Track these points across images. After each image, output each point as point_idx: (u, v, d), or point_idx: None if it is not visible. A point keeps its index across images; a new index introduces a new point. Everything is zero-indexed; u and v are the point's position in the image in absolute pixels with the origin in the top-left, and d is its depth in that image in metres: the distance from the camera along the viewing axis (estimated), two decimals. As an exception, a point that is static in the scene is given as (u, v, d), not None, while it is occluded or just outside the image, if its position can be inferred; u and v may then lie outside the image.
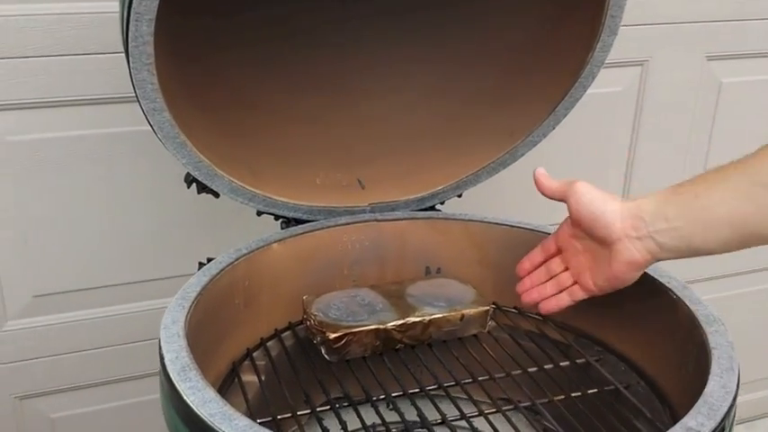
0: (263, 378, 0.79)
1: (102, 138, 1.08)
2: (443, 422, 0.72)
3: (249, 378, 0.79)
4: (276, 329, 0.86)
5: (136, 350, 1.19)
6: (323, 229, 0.90)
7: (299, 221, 0.91)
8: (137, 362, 1.20)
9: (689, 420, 0.60)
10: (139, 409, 1.23)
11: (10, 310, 1.12)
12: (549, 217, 1.37)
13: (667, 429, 0.71)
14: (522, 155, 0.94)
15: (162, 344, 0.65)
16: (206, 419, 0.57)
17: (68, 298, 1.14)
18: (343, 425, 0.71)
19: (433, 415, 0.73)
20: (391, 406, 0.74)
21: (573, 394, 0.77)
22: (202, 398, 0.59)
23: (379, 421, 0.71)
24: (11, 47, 0.99)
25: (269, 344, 0.84)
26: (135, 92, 0.74)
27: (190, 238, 1.16)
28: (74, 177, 1.08)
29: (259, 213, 0.91)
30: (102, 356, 1.19)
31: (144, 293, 1.17)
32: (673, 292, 0.77)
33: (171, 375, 0.61)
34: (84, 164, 1.08)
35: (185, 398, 0.59)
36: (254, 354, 0.82)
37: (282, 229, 0.91)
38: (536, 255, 0.82)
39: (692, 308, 0.75)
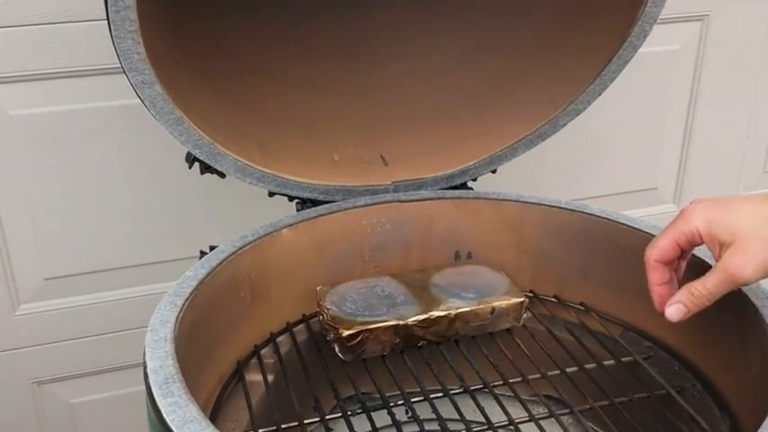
0: (269, 379, 0.71)
1: (114, 111, 1.01)
2: (467, 431, 0.63)
3: (255, 378, 0.72)
4: (288, 323, 0.78)
5: (154, 335, 1.14)
6: (339, 211, 0.81)
7: (315, 202, 0.83)
8: (156, 346, 1.14)
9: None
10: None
11: (22, 293, 1.07)
12: (598, 190, 1.28)
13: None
14: (564, 125, 0.84)
15: (146, 350, 0.58)
16: (185, 444, 0.49)
17: (81, 281, 1.09)
18: (355, 436, 0.63)
19: (455, 423, 0.64)
20: (409, 413, 0.66)
21: (617, 400, 0.68)
22: (183, 417, 0.51)
23: (394, 431, 0.63)
24: (14, 15, 0.92)
25: (279, 339, 0.76)
26: (120, 63, 0.66)
27: (207, 218, 1.10)
28: (84, 153, 1.02)
29: (271, 194, 0.83)
30: (119, 340, 1.14)
31: (159, 275, 1.11)
32: (735, 283, 0.66)
33: (152, 389, 0.54)
34: (94, 139, 1.02)
35: (165, 416, 0.52)
36: (262, 351, 0.74)
37: (298, 210, 0.83)
38: (668, 245, 0.63)
39: (758, 303, 0.65)
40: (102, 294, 1.11)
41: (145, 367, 0.57)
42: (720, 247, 0.59)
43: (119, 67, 0.95)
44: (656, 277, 0.64)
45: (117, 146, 1.03)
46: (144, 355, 0.58)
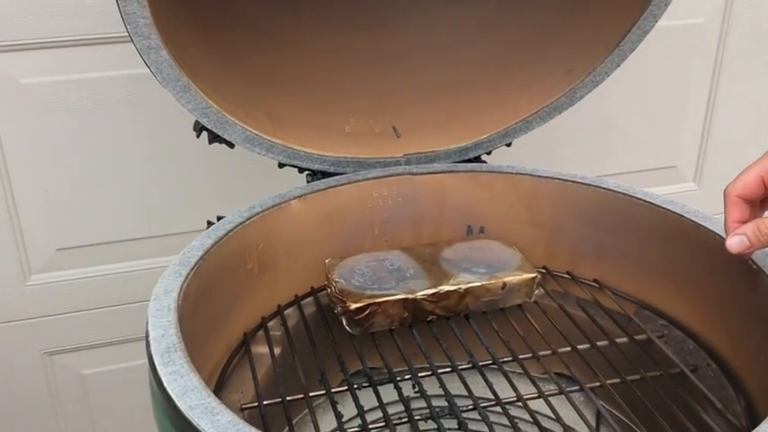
0: (276, 351, 0.70)
1: (125, 80, 1.00)
2: (474, 407, 0.62)
3: (261, 350, 0.71)
4: (296, 295, 0.77)
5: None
6: (350, 183, 0.80)
7: (325, 174, 0.82)
8: (167, 318, 1.14)
9: (770, 427, 0.48)
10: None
11: (34, 263, 1.07)
12: (616, 167, 1.25)
13: (742, 426, 0.61)
14: (582, 97, 0.82)
15: (149, 318, 0.58)
16: (184, 412, 0.48)
17: (93, 251, 1.08)
18: (360, 410, 0.62)
19: (464, 399, 0.63)
20: (416, 388, 0.65)
21: (629, 378, 0.66)
22: (184, 386, 0.50)
23: (401, 406, 0.62)
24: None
25: (287, 312, 0.75)
26: (126, 27, 0.64)
27: (221, 189, 1.09)
28: (95, 123, 1.01)
29: (281, 165, 0.82)
30: (132, 312, 1.13)
31: (172, 247, 1.09)
32: (753, 260, 0.65)
33: (153, 357, 0.54)
34: (106, 109, 1.01)
35: (165, 384, 0.51)
36: (269, 323, 0.73)
37: (308, 182, 0.82)
38: (752, 179, 0.59)
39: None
40: (114, 266, 1.10)
41: (147, 336, 0.56)
42: None
43: (127, 36, 0.95)
44: (735, 214, 0.59)
45: (129, 115, 1.02)
46: (146, 323, 0.57)
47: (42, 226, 1.05)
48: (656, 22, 0.76)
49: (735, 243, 0.58)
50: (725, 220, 0.60)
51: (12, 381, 1.14)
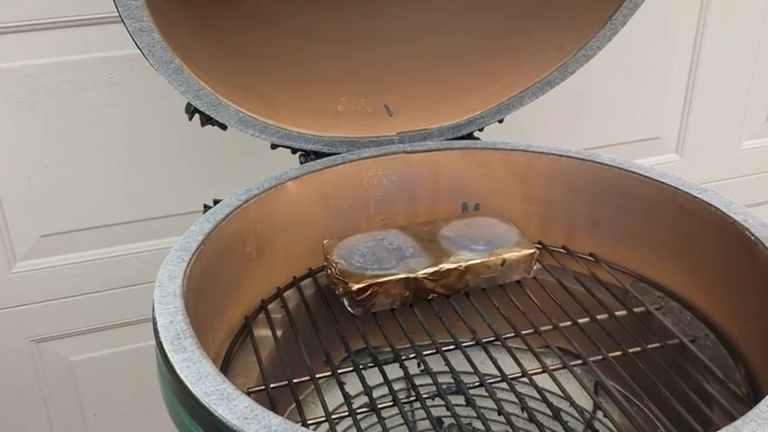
0: (278, 333, 0.70)
1: (106, 62, 0.98)
2: (481, 384, 0.63)
3: (264, 333, 0.71)
4: (294, 277, 0.77)
5: (153, 290, 1.12)
6: (345, 163, 0.79)
7: (318, 154, 0.81)
8: (155, 303, 1.13)
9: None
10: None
11: (18, 250, 1.05)
12: (601, 140, 1.26)
13: (743, 393, 0.62)
14: (573, 72, 0.82)
15: (155, 305, 0.57)
16: (200, 399, 0.48)
17: (77, 237, 1.07)
18: (367, 389, 0.62)
19: (469, 376, 0.64)
20: (422, 367, 0.65)
21: (631, 350, 0.67)
22: (198, 373, 0.50)
23: (405, 384, 0.63)
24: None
25: (286, 294, 0.75)
26: (117, 9, 0.63)
27: (204, 171, 1.07)
28: (76, 107, 0.99)
29: (273, 146, 0.81)
30: (118, 297, 1.12)
31: (157, 231, 1.09)
32: (750, 231, 0.66)
33: (164, 345, 0.53)
34: (86, 91, 0.99)
35: (178, 372, 0.51)
36: (270, 306, 0.73)
37: (302, 163, 0.81)
38: None
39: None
40: (99, 251, 1.09)
41: (155, 323, 0.56)
42: None
43: (111, 17, 0.93)
44: None
45: (111, 99, 1.00)
46: (153, 310, 0.57)
47: (26, 213, 1.03)
48: (648, -5, 0.76)
49: None
50: None
51: (0, 369, 1.12)
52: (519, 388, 0.64)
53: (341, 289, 0.71)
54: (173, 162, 1.06)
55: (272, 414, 0.47)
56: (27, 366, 1.14)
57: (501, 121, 0.86)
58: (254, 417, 0.46)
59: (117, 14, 0.87)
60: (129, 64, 0.98)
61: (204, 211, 0.71)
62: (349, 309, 0.70)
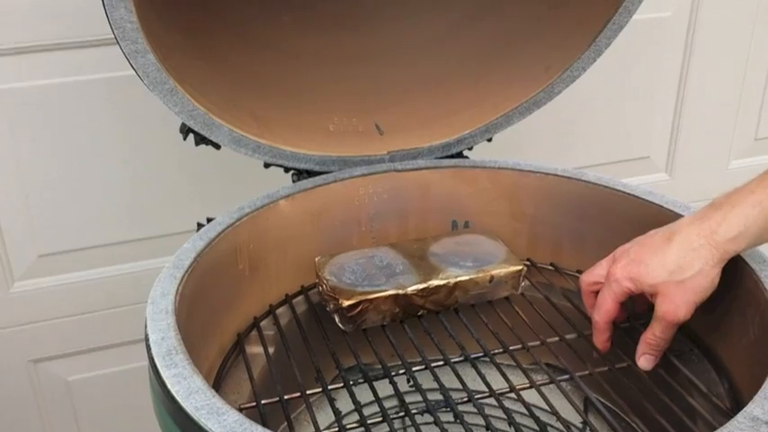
0: (270, 350, 0.71)
1: (103, 84, 1.00)
2: (470, 400, 0.64)
3: (256, 350, 0.72)
4: (287, 294, 0.78)
5: (149, 310, 1.13)
6: (336, 181, 0.81)
7: (310, 173, 0.83)
8: (152, 321, 1.14)
9: (754, 409, 0.50)
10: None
11: (16, 270, 1.07)
12: (591, 159, 1.28)
13: (726, 407, 0.63)
14: (560, 92, 0.84)
15: (147, 322, 0.58)
16: (191, 413, 0.49)
17: (75, 257, 1.08)
18: (357, 405, 0.63)
19: (457, 392, 0.64)
20: (411, 383, 0.66)
21: (617, 366, 0.68)
22: (188, 388, 0.51)
23: (396, 401, 0.64)
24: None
25: (278, 311, 0.76)
26: (113, 32, 0.65)
27: (202, 191, 1.09)
28: (74, 128, 1.01)
29: (266, 165, 0.82)
30: (115, 317, 1.13)
31: (154, 250, 1.10)
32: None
33: (155, 360, 0.54)
34: (84, 113, 1.00)
35: (169, 387, 0.52)
36: (262, 323, 0.74)
37: (294, 181, 0.82)
38: (612, 307, 0.68)
39: (756, 268, 0.65)
40: (97, 270, 1.10)
41: (147, 339, 0.57)
42: (651, 296, 0.65)
43: (108, 40, 0.95)
44: (607, 335, 0.69)
45: (108, 119, 1.02)
46: (145, 327, 0.58)
47: (24, 233, 1.04)
48: (631, 17, 0.78)
49: (645, 362, 0.67)
50: (598, 340, 0.70)
51: (-3, 389, 1.13)
52: (507, 404, 0.65)
53: (332, 305, 0.72)
54: (170, 182, 1.08)
55: (260, 428, 0.48)
56: (25, 387, 1.14)
57: (490, 140, 0.88)
58: (243, 431, 0.47)
59: (108, 37, 0.90)
60: (127, 85, 1.00)
61: (198, 230, 0.72)
62: (340, 325, 0.71)
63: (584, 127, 1.26)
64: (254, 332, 0.74)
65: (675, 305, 0.63)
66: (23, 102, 0.97)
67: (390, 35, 0.87)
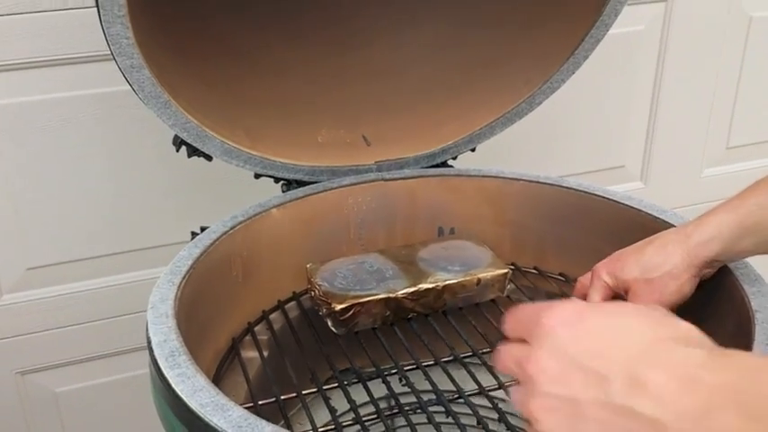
0: (265, 354, 0.73)
1: (91, 99, 1.01)
2: (460, 396, 0.66)
3: (250, 354, 0.74)
4: (279, 300, 0.80)
5: (137, 321, 1.14)
6: (326, 191, 0.83)
7: (300, 183, 0.85)
8: (139, 333, 1.14)
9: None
10: (144, 382, 1.18)
11: (4, 283, 1.07)
12: (569, 169, 1.31)
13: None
14: (540, 103, 0.87)
15: (149, 325, 0.60)
16: (196, 411, 0.51)
17: (63, 269, 1.09)
18: (352, 404, 0.65)
19: (449, 389, 0.67)
20: (404, 381, 0.68)
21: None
22: (192, 386, 0.53)
23: (389, 401, 0.66)
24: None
25: (272, 317, 0.78)
26: (109, 48, 0.67)
27: (187, 203, 1.10)
28: (62, 142, 1.02)
29: (257, 176, 0.85)
30: (103, 328, 1.14)
31: (141, 262, 1.12)
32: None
33: (159, 361, 0.56)
34: (72, 127, 1.02)
35: (174, 386, 0.53)
36: (256, 328, 0.76)
37: (283, 191, 0.85)
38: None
39: (731, 266, 0.68)
40: (84, 283, 1.11)
41: (149, 342, 0.58)
42: (625, 292, 0.68)
43: (96, 56, 0.97)
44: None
45: (95, 134, 1.03)
46: (147, 330, 0.60)
47: (12, 246, 1.05)
48: (608, 30, 0.81)
49: None
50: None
51: (-16, 402, 1.13)
52: (496, 400, 0.68)
53: (324, 310, 0.74)
54: (156, 195, 1.09)
55: (264, 422, 0.50)
56: (12, 398, 1.15)
57: (473, 150, 0.91)
58: (248, 425, 0.49)
59: (100, 53, 0.92)
60: (114, 100, 1.02)
61: (192, 238, 0.74)
62: (333, 329, 0.74)
63: (562, 137, 1.29)
64: (249, 337, 0.75)
65: (642, 303, 0.65)
66: (13, 117, 0.99)
67: (376, 51, 0.90)
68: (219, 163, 0.81)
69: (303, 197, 0.82)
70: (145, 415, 1.20)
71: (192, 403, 0.51)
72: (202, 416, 0.51)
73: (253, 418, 0.50)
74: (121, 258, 1.12)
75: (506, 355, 0.42)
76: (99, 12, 0.64)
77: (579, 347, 0.38)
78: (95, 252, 1.10)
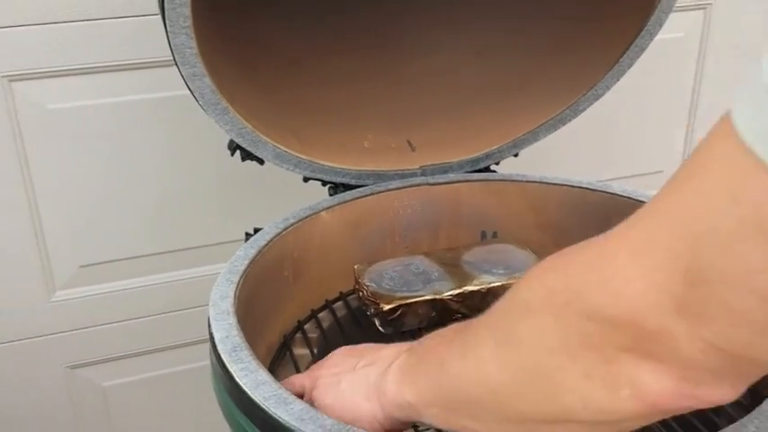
0: (315, 351, 0.76)
1: (146, 103, 1.05)
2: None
3: (301, 351, 0.76)
4: (326, 300, 0.83)
5: (183, 318, 1.18)
6: (372, 194, 0.86)
7: (347, 187, 0.87)
8: (185, 329, 1.19)
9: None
10: (189, 377, 1.23)
11: (57, 280, 1.11)
12: (607, 173, 1.32)
13: (747, 402, 0.67)
14: (584, 110, 0.89)
15: (211, 322, 0.63)
16: (260, 403, 0.54)
17: (114, 267, 1.13)
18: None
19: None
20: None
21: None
22: (255, 380, 0.56)
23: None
24: (52, 11, 0.96)
25: (320, 315, 0.81)
26: (173, 57, 0.70)
27: (235, 204, 1.14)
28: (118, 145, 1.06)
29: (306, 179, 0.87)
30: (150, 324, 1.18)
31: (188, 261, 1.15)
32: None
33: (222, 356, 0.59)
34: (128, 131, 1.06)
35: (237, 380, 0.56)
36: (305, 326, 0.79)
37: (330, 195, 0.87)
38: None
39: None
40: (134, 280, 1.15)
41: (212, 338, 0.61)
42: None
43: (154, 62, 1.00)
44: None
45: (150, 137, 1.07)
46: (209, 326, 0.62)
47: (67, 244, 1.09)
48: (652, 39, 0.83)
49: None
50: None
51: (35, 394, 1.17)
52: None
53: (372, 310, 0.77)
54: (203, 196, 1.13)
55: (325, 416, 0.52)
56: (61, 392, 1.19)
57: (516, 155, 0.93)
58: (310, 418, 0.52)
59: (155, 60, 0.96)
60: (167, 104, 1.05)
61: (246, 239, 0.77)
62: (380, 328, 0.76)
63: (601, 142, 1.31)
64: (299, 334, 0.78)
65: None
66: (68, 120, 1.03)
67: (421, 57, 0.92)
68: (268, 166, 0.83)
69: (351, 200, 0.84)
70: (187, 409, 1.24)
71: (256, 396, 0.54)
72: (266, 408, 0.53)
73: (314, 412, 0.52)
74: (169, 257, 1.15)
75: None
76: (165, 23, 0.67)
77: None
78: (145, 251, 1.14)
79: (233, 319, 0.63)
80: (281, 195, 1.01)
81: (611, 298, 0.38)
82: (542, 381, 0.42)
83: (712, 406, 0.39)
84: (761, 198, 0.32)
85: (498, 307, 0.46)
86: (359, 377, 0.57)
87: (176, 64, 0.70)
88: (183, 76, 0.71)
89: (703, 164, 0.36)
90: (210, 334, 0.62)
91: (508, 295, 0.45)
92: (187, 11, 0.67)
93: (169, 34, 0.68)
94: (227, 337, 0.61)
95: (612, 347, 0.38)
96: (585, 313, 0.39)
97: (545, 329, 0.41)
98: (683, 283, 0.35)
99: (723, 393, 0.38)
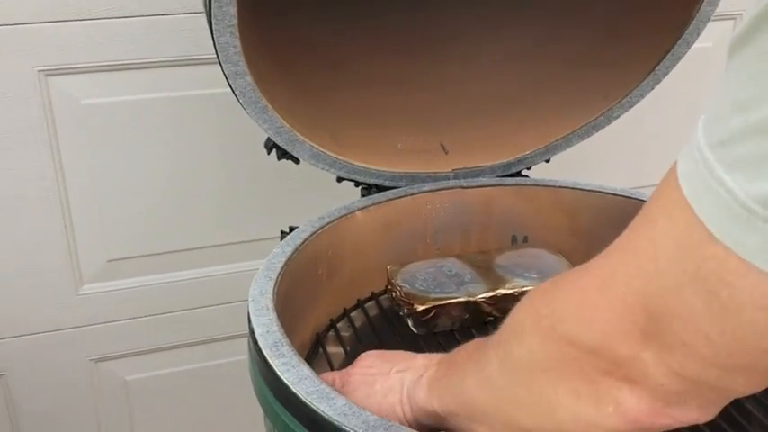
0: (348, 349, 0.76)
1: (179, 100, 1.06)
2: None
3: (334, 350, 0.77)
4: (359, 299, 0.83)
5: (207, 314, 1.19)
6: (406, 196, 0.86)
7: (379, 188, 0.88)
8: (209, 326, 1.20)
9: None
10: (212, 373, 1.23)
11: (85, 274, 1.12)
12: (637, 181, 1.32)
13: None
14: (618, 117, 0.89)
15: (251, 317, 0.63)
16: (302, 398, 0.54)
17: (142, 262, 1.14)
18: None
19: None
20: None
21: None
22: (297, 375, 0.56)
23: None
24: (87, 8, 0.97)
25: (352, 314, 0.81)
26: (217, 55, 0.71)
27: (266, 203, 1.15)
28: (149, 141, 1.07)
29: (339, 179, 0.88)
30: (175, 320, 1.19)
31: (217, 258, 1.16)
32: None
33: (263, 351, 0.59)
34: (160, 127, 1.07)
35: (279, 375, 0.57)
36: (338, 324, 0.79)
37: (363, 196, 0.88)
38: None
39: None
40: (160, 276, 1.16)
41: (252, 333, 0.62)
42: None
43: (186, 60, 1.01)
44: None
45: (182, 134, 1.08)
46: (249, 321, 0.63)
47: (95, 239, 1.10)
48: (689, 48, 0.83)
49: None
50: None
51: (58, 386, 1.18)
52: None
53: (406, 310, 0.77)
54: (232, 194, 1.14)
55: (368, 412, 0.53)
56: (84, 384, 1.20)
57: (548, 161, 0.93)
58: (353, 413, 0.52)
59: (187, 58, 0.97)
60: (203, 102, 1.06)
61: (281, 238, 0.77)
62: (413, 328, 0.77)
63: (630, 149, 1.31)
64: (332, 332, 0.79)
65: None
66: (100, 115, 1.04)
67: (456, 61, 0.93)
68: (302, 165, 0.84)
69: (385, 201, 0.85)
70: (208, 405, 1.25)
71: (299, 391, 0.55)
72: (309, 403, 0.54)
73: (356, 407, 0.53)
74: (199, 253, 1.16)
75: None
76: (210, 21, 0.68)
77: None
78: (171, 247, 1.15)
79: (273, 315, 0.63)
80: (311, 194, 1.01)
81: (585, 325, 0.42)
82: (537, 397, 0.46)
83: (689, 425, 0.42)
84: (700, 252, 0.35)
85: (504, 326, 0.50)
86: (393, 381, 0.60)
87: (219, 62, 0.71)
88: (225, 74, 0.72)
89: (656, 210, 0.41)
90: (251, 329, 0.62)
91: (511, 314, 0.49)
92: (233, 10, 0.67)
93: (214, 32, 0.69)
94: (267, 332, 0.61)
95: (594, 370, 0.42)
96: (566, 339, 0.43)
97: (535, 350, 0.45)
98: (644, 315, 0.39)
99: (693, 415, 0.41)
